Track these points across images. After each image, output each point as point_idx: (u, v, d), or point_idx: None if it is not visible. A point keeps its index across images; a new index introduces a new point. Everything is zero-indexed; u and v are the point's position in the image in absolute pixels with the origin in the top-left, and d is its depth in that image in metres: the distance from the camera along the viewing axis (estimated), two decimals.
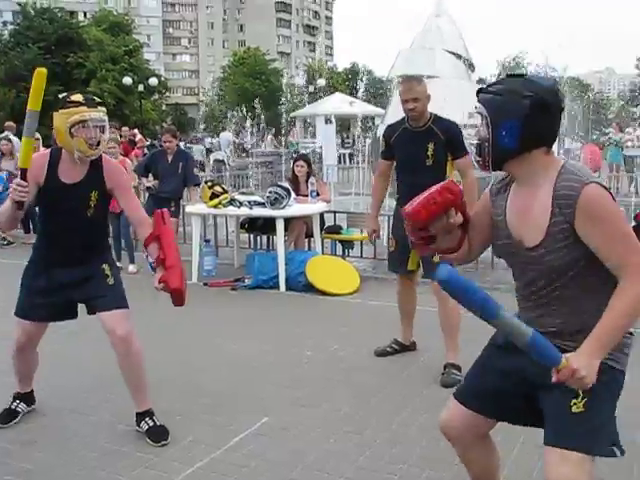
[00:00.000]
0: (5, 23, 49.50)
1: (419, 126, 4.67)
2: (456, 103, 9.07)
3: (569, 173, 2.12)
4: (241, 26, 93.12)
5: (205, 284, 7.36)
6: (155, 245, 3.47)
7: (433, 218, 2.27)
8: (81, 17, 59.90)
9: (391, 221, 5.26)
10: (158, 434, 3.62)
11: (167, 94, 55.45)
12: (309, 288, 6.99)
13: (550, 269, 2.18)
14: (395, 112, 11.09)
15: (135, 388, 3.70)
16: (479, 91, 2.28)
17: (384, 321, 5.58)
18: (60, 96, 3.43)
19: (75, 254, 3.54)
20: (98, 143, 3.39)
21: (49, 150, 3.53)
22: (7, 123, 13.76)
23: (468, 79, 10.84)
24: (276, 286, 7.11)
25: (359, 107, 22.72)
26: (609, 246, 2.07)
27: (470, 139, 1.92)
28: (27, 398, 3.97)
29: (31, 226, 10.27)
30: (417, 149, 4.65)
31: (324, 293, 6.89)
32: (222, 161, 19.93)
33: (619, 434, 2.21)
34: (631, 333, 2.21)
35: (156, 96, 50.84)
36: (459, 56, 11.07)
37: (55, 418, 3.92)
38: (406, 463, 3.36)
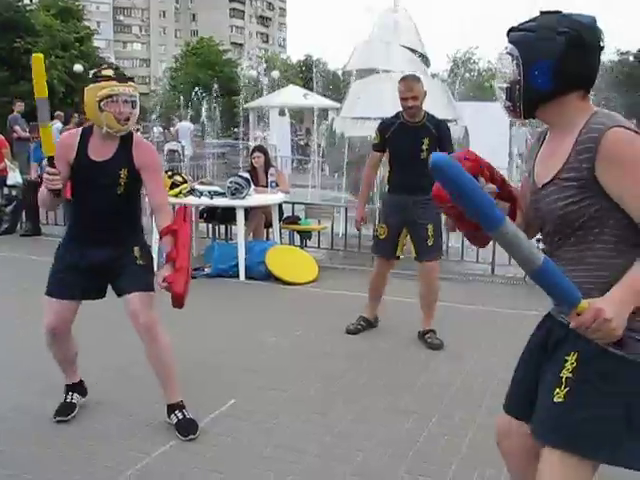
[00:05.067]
0: None
1: (415, 122, 4.91)
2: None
3: (598, 118, 1.88)
4: (193, 15, 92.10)
5: None
6: (170, 239, 3.41)
7: None
8: (27, 0, 58.47)
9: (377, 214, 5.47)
10: (186, 427, 3.56)
11: None
12: (268, 277, 7.11)
13: (559, 218, 1.93)
14: (351, 105, 11.20)
15: (164, 379, 3.61)
16: (510, 30, 2.02)
17: (343, 308, 5.75)
18: (91, 72, 3.41)
19: (106, 234, 3.47)
20: (127, 119, 3.34)
21: (81, 129, 3.50)
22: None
23: (424, 74, 11.03)
24: (236, 275, 7.19)
25: (313, 100, 22.80)
26: (633, 195, 1.79)
27: (498, 83, 2.07)
28: (79, 388, 3.86)
29: None
30: (414, 143, 4.88)
31: (283, 282, 7.01)
32: (176, 151, 19.82)
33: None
34: None
35: None
36: (415, 51, 11.25)
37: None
38: (370, 441, 3.52)
